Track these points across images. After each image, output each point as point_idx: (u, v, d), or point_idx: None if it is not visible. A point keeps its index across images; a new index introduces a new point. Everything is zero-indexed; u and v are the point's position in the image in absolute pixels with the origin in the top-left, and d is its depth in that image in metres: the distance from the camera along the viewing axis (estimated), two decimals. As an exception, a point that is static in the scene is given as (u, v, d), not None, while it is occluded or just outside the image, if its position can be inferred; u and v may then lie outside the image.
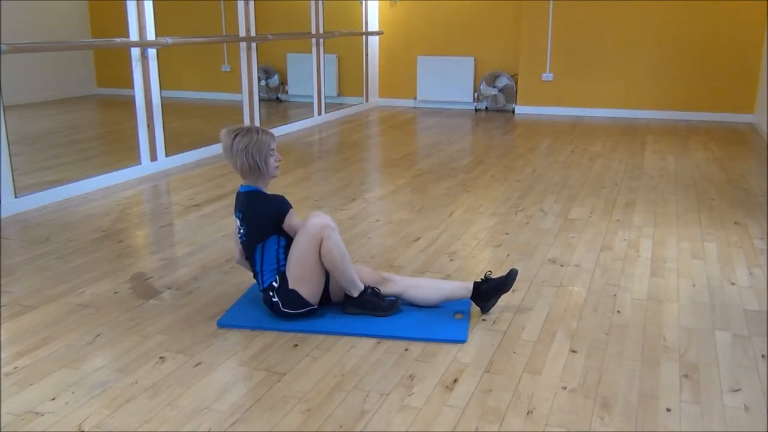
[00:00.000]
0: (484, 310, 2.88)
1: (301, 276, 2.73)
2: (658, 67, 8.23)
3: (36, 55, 7.55)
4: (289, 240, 2.79)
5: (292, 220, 2.77)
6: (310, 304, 2.77)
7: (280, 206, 2.78)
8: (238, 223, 2.85)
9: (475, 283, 2.88)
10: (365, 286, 2.82)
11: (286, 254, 2.77)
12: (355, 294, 2.80)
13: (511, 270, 2.88)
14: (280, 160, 2.83)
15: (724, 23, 7.89)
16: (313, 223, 2.69)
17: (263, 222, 2.77)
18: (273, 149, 2.78)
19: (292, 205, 2.82)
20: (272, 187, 2.88)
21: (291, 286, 2.73)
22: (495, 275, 2.96)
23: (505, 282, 2.85)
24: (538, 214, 4.31)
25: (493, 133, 7.40)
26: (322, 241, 2.68)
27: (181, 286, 3.21)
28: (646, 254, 3.60)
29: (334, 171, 5.58)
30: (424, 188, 4.98)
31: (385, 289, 2.87)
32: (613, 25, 8.27)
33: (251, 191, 2.81)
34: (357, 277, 2.80)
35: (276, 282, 2.76)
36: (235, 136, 2.74)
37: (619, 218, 4.23)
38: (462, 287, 2.89)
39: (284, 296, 2.74)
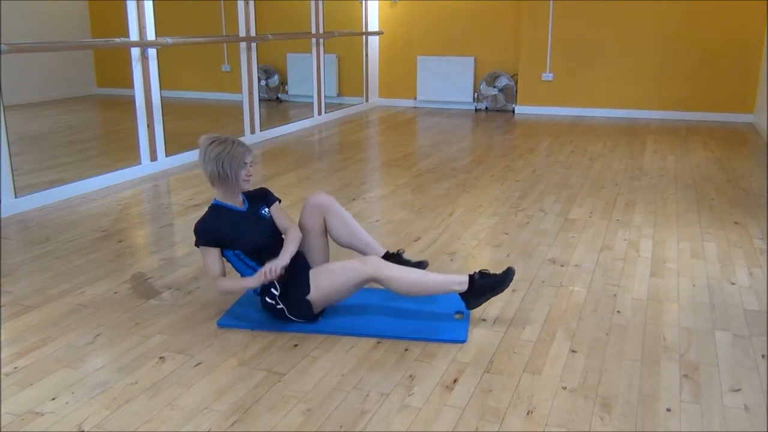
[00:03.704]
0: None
1: (329, 297, 2.71)
2: (658, 67, 8.23)
3: (36, 55, 7.55)
4: (238, 248, 2.75)
5: (201, 252, 2.75)
6: (317, 315, 2.77)
7: (194, 232, 2.77)
8: None
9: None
10: (469, 275, 2.71)
11: (252, 257, 2.75)
12: (464, 288, 2.71)
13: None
14: (250, 175, 2.80)
15: (724, 23, 7.88)
16: (362, 268, 2.66)
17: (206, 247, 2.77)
18: (246, 163, 2.75)
19: (202, 232, 2.76)
20: (273, 188, 2.88)
21: (310, 298, 2.69)
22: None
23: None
24: (538, 214, 4.31)
25: (493, 133, 7.40)
26: (380, 283, 2.69)
27: (181, 286, 3.21)
28: (646, 254, 3.60)
29: (334, 171, 5.57)
30: (424, 188, 4.98)
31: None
32: (613, 25, 8.27)
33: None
34: (444, 278, 2.74)
35: (276, 289, 2.71)
36: (211, 142, 2.74)
37: (619, 218, 4.22)
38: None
39: (295, 305, 2.71)
